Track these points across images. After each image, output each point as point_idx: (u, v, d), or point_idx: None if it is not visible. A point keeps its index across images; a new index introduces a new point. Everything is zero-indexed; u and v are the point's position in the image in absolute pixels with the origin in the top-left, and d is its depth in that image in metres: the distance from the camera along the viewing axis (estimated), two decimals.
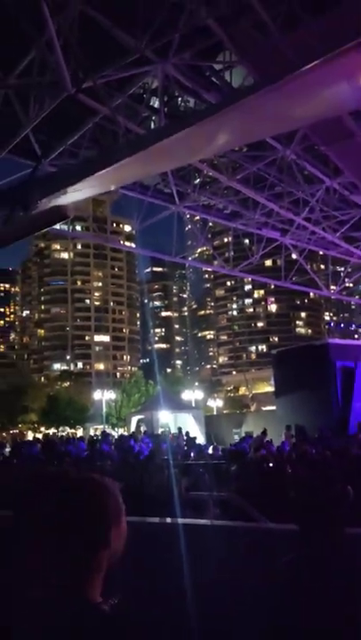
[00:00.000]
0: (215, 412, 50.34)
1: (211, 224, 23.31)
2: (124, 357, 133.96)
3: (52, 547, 1.35)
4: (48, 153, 10.17)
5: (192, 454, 14.19)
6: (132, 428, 24.73)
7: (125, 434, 24.68)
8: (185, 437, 18.10)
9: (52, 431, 58.82)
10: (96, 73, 8.32)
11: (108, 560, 1.39)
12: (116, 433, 36.08)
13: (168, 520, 3.18)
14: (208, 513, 5.03)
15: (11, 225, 3.77)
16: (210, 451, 14.77)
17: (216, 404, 58.30)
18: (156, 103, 11.80)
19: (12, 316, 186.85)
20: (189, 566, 2.69)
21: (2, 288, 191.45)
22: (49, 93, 8.79)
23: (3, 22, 8.24)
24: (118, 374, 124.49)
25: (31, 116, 9.43)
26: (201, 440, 19.76)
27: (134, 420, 26.31)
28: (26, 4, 7.54)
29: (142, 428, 23.40)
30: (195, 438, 18.26)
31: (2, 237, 3.94)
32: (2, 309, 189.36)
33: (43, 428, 64.91)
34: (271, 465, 9.81)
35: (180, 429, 19.91)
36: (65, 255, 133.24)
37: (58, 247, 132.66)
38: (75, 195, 4.03)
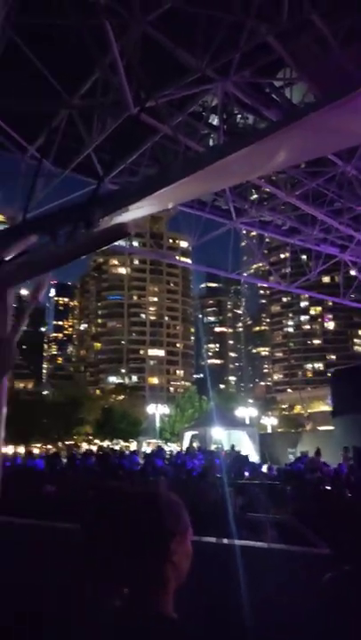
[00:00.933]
0: (269, 431, 49.57)
1: (267, 239, 23.15)
2: (178, 372, 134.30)
3: (120, 560, 1.36)
4: (109, 171, 10.41)
5: (246, 473, 13.99)
6: (186, 444, 24.66)
7: (178, 449, 24.65)
8: (239, 455, 17.88)
9: (106, 443, 59.46)
10: (157, 92, 8.48)
11: (175, 577, 1.39)
12: (170, 448, 36.09)
13: (225, 541, 3.13)
14: (264, 535, 4.92)
15: (73, 242, 3.86)
16: (264, 469, 14.52)
17: (270, 422, 57.34)
18: (215, 121, 11.90)
19: (70, 329, 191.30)
20: (246, 588, 2.64)
21: (61, 302, 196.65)
22: (111, 113, 9.03)
23: (67, 45, 8.54)
24: (172, 389, 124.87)
25: (94, 135, 9.70)
26: (255, 458, 19.47)
27: (188, 435, 26.23)
28: (90, 27, 7.79)
29: (195, 444, 23.29)
30: (249, 456, 18.02)
31: (64, 255, 4.03)
32: (61, 322, 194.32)
33: (97, 440, 65.73)
34: (329, 488, 9.53)
35: (233, 447, 19.70)
36: (122, 270, 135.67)
37: (115, 262, 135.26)
38: (135, 212, 4.07)
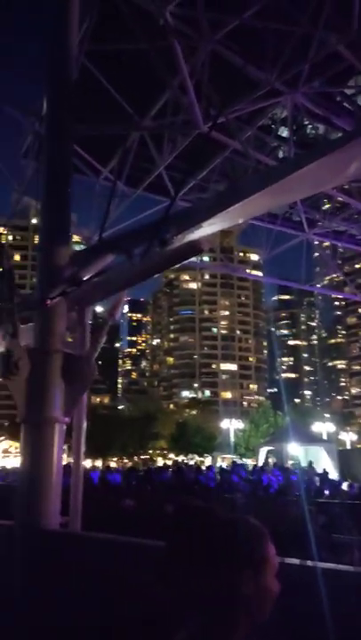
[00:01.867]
0: (349, 447, 47.83)
1: (341, 250, 22.55)
2: (251, 386, 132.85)
3: (193, 579, 1.33)
4: (180, 189, 10.56)
5: (326, 491, 13.55)
6: (261, 460, 24.27)
7: (254, 464, 24.28)
8: (317, 472, 17.36)
9: (180, 458, 59.58)
10: (227, 109, 8.53)
11: (247, 614, 1.30)
12: (245, 463, 35.63)
13: (309, 563, 3.03)
14: (348, 556, 4.72)
15: (148, 261, 3.94)
16: (344, 487, 14.01)
17: (349, 437, 55.40)
18: (284, 133, 11.80)
19: (143, 344, 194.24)
20: (333, 615, 2.53)
21: (134, 318, 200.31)
22: (182, 132, 9.16)
23: (137, 68, 8.78)
24: (245, 403, 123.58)
25: (164, 154, 9.88)
26: (334, 475, 18.83)
27: (263, 451, 25.80)
28: (159, 49, 7.96)
29: (271, 460, 22.86)
30: (328, 473, 17.45)
31: (140, 273, 4.12)
32: (134, 338, 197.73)
33: (172, 455, 66.00)
34: None
35: (310, 463, 19.16)
36: (193, 285, 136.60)
37: (186, 277, 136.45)
38: (207, 229, 4.11)
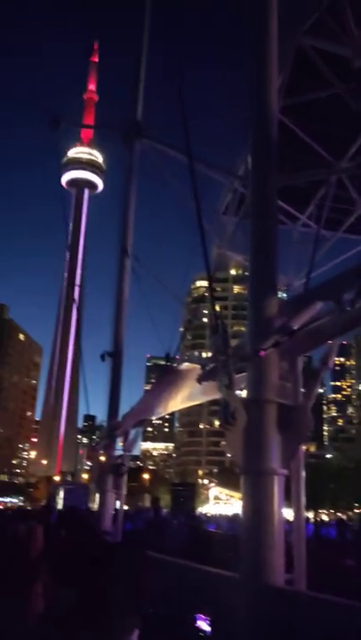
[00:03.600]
0: None
1: None
2: None
3: None
4: None
5: None
6: None
7: None
8: None
9: None
10: None
11: None
12: None
13: None
14: None
15: (359, 307, 3.78)
16: None
17: None
18: None
19: (348, 389, 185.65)
20: None
21: (337, 362, 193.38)
22: None
23: (329, 112, 8.75)
24: None
25: None
26: None
27: None
28: (354, 92, 7.87)
29: None
30: None
31: (351, 320, 3.97)
32: (338, 383, 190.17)
33: None
34: None
35: None
36: None
37: None
38: None
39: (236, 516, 39.75)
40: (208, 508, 70.06)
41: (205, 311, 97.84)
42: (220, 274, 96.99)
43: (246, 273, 4.90)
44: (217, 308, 5.19)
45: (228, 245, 11.16)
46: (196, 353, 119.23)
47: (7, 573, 3.51)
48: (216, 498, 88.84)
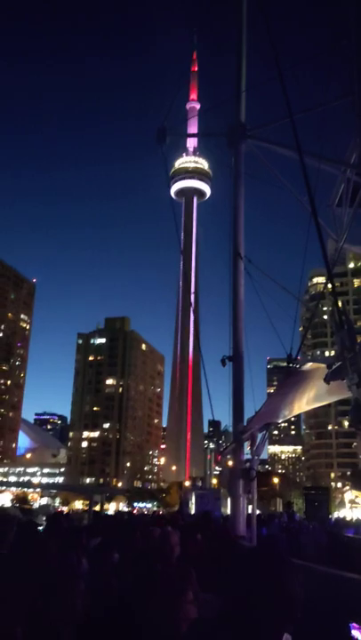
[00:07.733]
0: None
1: None
2: None
3: None
4: None
5: None
6: None
7: None
8: None
9: None
10: None
11: None
12: None
13: None
14: None
15: None
16: None
17: None
18: None
19: None
20: None
21: None
22: None
23: None
24: None
25: None
26: None
27: None
28: None
29: None
30: None
31: None
32: None
33: None
34: None
35: None
36: None
37: None
38: None
39: None
40: (344, 513, 67.40)
41: (325, 308, 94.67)
42: (337, 268, 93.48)
43: None
44: (339, 303, 4.95)
45: (345, 238, 10.72)
46: (318, 352, 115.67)
47: (154, 578, 3.60)
48: (352, 502, 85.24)
